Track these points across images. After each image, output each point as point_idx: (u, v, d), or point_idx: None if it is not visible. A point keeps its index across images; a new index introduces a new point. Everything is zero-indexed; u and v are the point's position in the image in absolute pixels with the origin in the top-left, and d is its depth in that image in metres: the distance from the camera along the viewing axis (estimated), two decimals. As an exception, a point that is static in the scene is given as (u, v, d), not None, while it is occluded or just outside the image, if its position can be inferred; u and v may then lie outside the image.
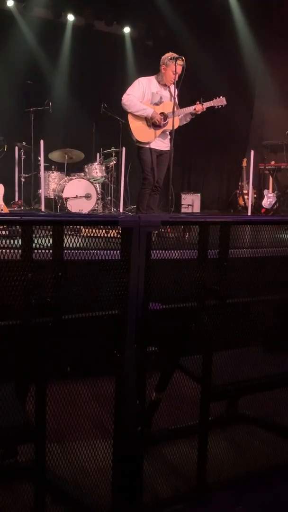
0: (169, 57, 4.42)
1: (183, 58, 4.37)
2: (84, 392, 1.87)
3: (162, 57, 4.51)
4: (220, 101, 4.58)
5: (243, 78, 8.12)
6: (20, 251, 1.65)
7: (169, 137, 4.59)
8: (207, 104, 4.53)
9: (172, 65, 4.37)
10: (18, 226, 1.65)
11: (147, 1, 7.76)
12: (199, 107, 4.46)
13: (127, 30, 8.84)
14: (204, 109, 4.50)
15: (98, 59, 8.20)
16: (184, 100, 4.59)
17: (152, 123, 4.47)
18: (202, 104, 4.49)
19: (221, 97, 4.59)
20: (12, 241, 1.73)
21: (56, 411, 1.78)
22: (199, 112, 4.50)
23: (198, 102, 4.48)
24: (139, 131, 4.48)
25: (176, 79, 4.40)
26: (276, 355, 2.37)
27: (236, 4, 7.88)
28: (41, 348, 1.67)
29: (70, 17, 8.32)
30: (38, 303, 1.66)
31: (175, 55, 4.42)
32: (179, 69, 4.37)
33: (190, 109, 4.49)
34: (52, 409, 1.76)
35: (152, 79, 4.55)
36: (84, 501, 1.94)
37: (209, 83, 6.82)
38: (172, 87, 4.56)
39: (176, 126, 4.45)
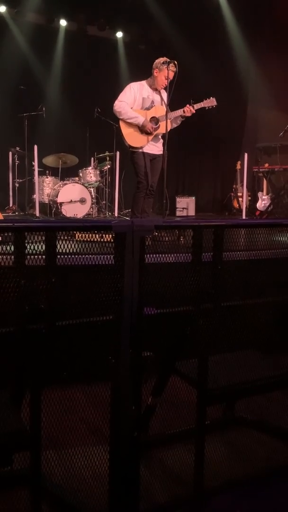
0: (162, 62, 4.44)
1: (175, 62, 4.39)
2: (80, 398, 1.86)
3: (155, 61, 4.52)
4: (210, 102, 4.60)
5: (236, 82, 8.17)
6: (12, 257, 1.64)
7: (161, 141, 4.60)
8: (198, 106, 4.54)
9: (165, 70, 4.39)
10: (10, 233, 1.64)
11: (140, 6, 7.80)
12: (187, 110, 4.48)
13: (119, 34, 8.88)
14: (194, 111, 4.51)
15: (91, 63, 8.22)
16: (177, 104, 4.60)
17: (144, 131, 4.49)
18: (193, 106, 4.50)
19: (211, 98, 4.61)
20: (5, 247, 1.72)
21: (52, 417, 1.77)
22: (189, 115, 4.51)
23: (188, 105, 4.49)
24: (131, 137, 4.50)
25: (167, 84, 4.42)
26: (272, 357, 2.37)
27: (228, 9, 7.93)
28: (35, 354, 1.66)
29: (63, 22, 8.34)
30: (32, 309, 1.65)
31: (168, 60, 4.43)
32: (171, 75, 4.39)
33: (179, 112, 4.51)
34: (48, 415, 1.74)
35: (143, 83, 4.56)
36: (81, 508, 1.92)
37: (202, 87, 6.84)
38: (163, 91, 4.58)
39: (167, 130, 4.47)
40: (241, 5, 7.72)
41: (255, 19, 7.92)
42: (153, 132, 4.48)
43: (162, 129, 4.45)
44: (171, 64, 4.38)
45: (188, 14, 7.91)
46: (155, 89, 4.56)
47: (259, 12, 7.79)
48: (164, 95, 4.60)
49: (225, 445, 2.36)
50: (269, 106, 7.89)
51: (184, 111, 4.48)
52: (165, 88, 4.54)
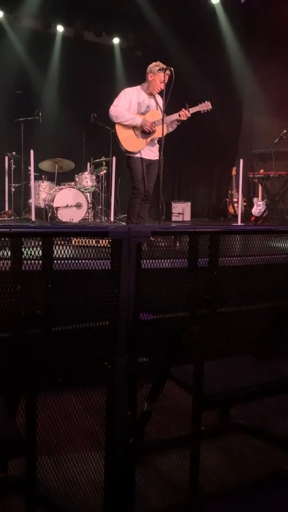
0: (158, 68, 4.47)
1: (171, 69, 4.42)
2: (75, 404, 1.86)
3: (149, 65, 4.55)
4: (205, 106, 4.63)
5: (232, 88, 8.22)
6: (9, 262, 1.64)
7: (157, 146, 4.62)
8: (193, 109, 4.57)
9: (160, 74, 4.43)
10: (7, 238, 1.64)
11: (136, 12, 7.85)
12: (183, 113, 4.50)
13: (116, 40, 8.93)
14: (189, 115, 4.54)
15: (88, 69, 8.25)
16: (172, 110, 4.63)
17: (142, 131, 4.50)
18: (188, 110, 4.53)
19: (206, 101, 4.64)
20: (1, 252, 1.73)
21: (47, 423, 1.76)
22: (185, 119, 4.54)
23: (183, 109, 4.52)
24: (128, 141, 4.51)
25: (163, 88, 4.45)
26: (267, 363, 2.38)
27: (224, 16, 8.00)
28: (31, 360, 1.66)
29: (60, 28, 8.39)
30: (28, 315, 1.65)
31: (161, 64, 4.47)
32: (166, 78, 4.42)
33: (175, 116, 4.53)
34: (43, 421, 1.74)
35: (138, 88, 4.59)
36: (76, 515, 1.91)
37: (197, 93, 6.87)
38: (158, 96, 4.61)
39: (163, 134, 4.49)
40: (237, 12, 7.79)
41: (251, 26, 7.99)
42: (153, 130, 4.49)
43: (158, 134, 4.48)
44: (167, 70, 4.42)
45: (184, 21, 7.98)
46: (150, 94, 4.58)
47: (255, 19, 7.86)
48: (159, 99, 4.63)
49: (220, 451, 2.35)
50: (264, 112, 7.95)
51: (179, 115, 4.51)
52: (159, 93, 4.57)
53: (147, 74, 4.54)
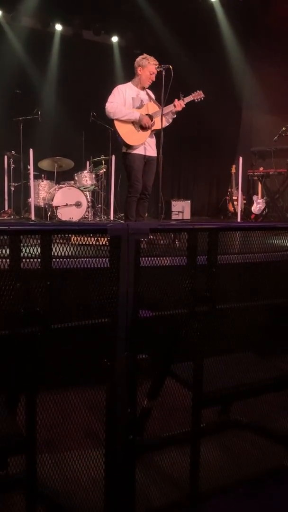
0: (147, 61, 4.49)
1: (171, 67, 4.42)
2: (75, 401, 1.86)
3: (137, 59, 4.57)
4: (198, 95, 4.69)
5: (231, 86, 8.23)
6: (8, 260, 1.64)
7: (154, 140, 4.63)
8: (188, 99, 4.61)
9: (149, 67, 4.46)
10: (5, 236, 1.65)
11: (135, 11, 7.85)
12: (178, 104, 4.52)
13: (115, 39, 8.92)
14: (184, 105, 4.56)
15: (87, 68, 8.25)
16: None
17: (140, 126, 4.50)
18: (183, 100, 4.55)
19: (198, 91, 4.68)
20: (0, 250, 1.73)
21: (47, 421, 1.76)
22: (179, 109, 4.56)
23: (176, 100, 4.54)
24: (129, 135, 4.50)
25: (154, 79, 4.45)
26: (267, 360, 2.38)
27: (223, 15, 8.00)
28: (30, 358, 1.66)
29: (58, 27, 8.38)
30: (27, 312, 1.65)
31: (148, 56, 4.50)
32: (153, 69, 4.45)
33: (170, 107, 4.54)
34: (43, 419, 1.74)
35: (129, 85, 4.61)
36: (76, 512, 1.92)
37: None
38: (149, 90, 4.62)
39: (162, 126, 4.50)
40: (236, 10, 7.79)
41: (250, 24, 7.99)
42: (151, 127, 4.50)
43: (157, 125, 4.49)
44: (152, 58, 4.44)
45: (184, 20, 7.97)
46: (142, 88, 4.60)
47: (254, 18, 7.86)
48: (151, 93, 4.66)
49: (221, 448, 2.36)
50: (263, 110, 7.95)
51: (174, 106, 4.53)
52: (150, 87, 4.58)
53: (135, 69, 4.55)
